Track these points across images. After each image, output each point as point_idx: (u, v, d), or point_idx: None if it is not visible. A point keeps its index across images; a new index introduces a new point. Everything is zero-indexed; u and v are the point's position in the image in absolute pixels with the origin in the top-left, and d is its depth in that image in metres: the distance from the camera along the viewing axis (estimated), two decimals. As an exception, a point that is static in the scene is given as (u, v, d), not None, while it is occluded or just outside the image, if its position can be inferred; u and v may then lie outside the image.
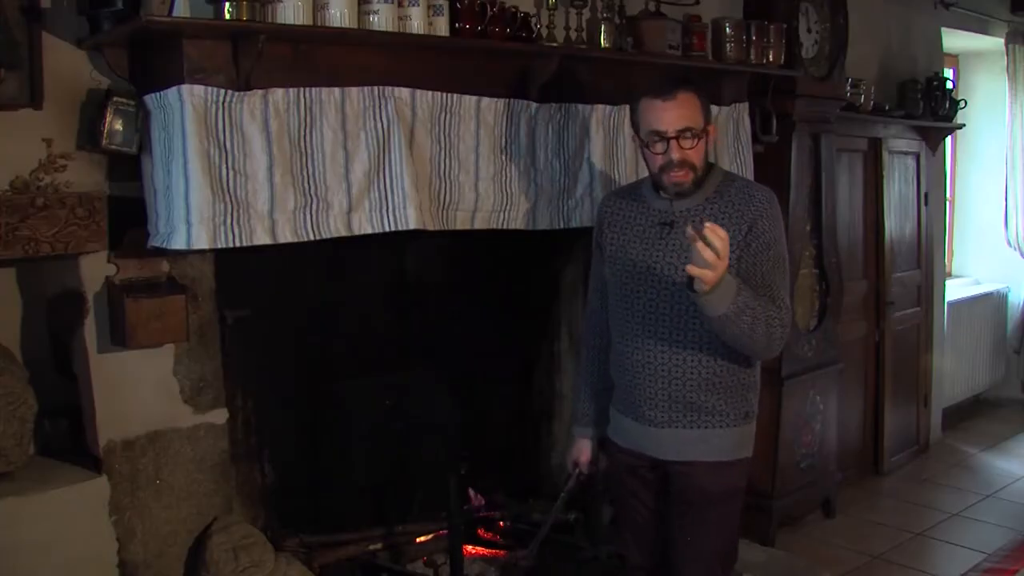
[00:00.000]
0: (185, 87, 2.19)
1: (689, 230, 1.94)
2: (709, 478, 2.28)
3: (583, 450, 2.59)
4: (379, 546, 3.07)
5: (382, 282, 3.24)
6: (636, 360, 2.31)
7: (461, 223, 2.75)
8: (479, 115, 2.74)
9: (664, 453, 2.32)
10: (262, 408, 2.90)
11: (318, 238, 2.42)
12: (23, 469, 2.40)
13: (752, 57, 3.54)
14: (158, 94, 2.27)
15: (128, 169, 2.43)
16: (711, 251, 1.92)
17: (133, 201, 2.43)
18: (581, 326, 3.66)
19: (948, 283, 5.90)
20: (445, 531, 3.03)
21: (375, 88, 2.49)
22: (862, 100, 4.57)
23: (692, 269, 1.95)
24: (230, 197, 2.26)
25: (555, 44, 2.99)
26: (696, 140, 2.19)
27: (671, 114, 2.18)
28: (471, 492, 3.33)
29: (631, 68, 3.13)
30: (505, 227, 2.87)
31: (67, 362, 2.56)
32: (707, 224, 1.93)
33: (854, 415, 4.77)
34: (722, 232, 1.93)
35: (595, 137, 3.03)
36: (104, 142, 2.31)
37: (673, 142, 2.18)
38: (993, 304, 6.32)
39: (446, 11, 2.62)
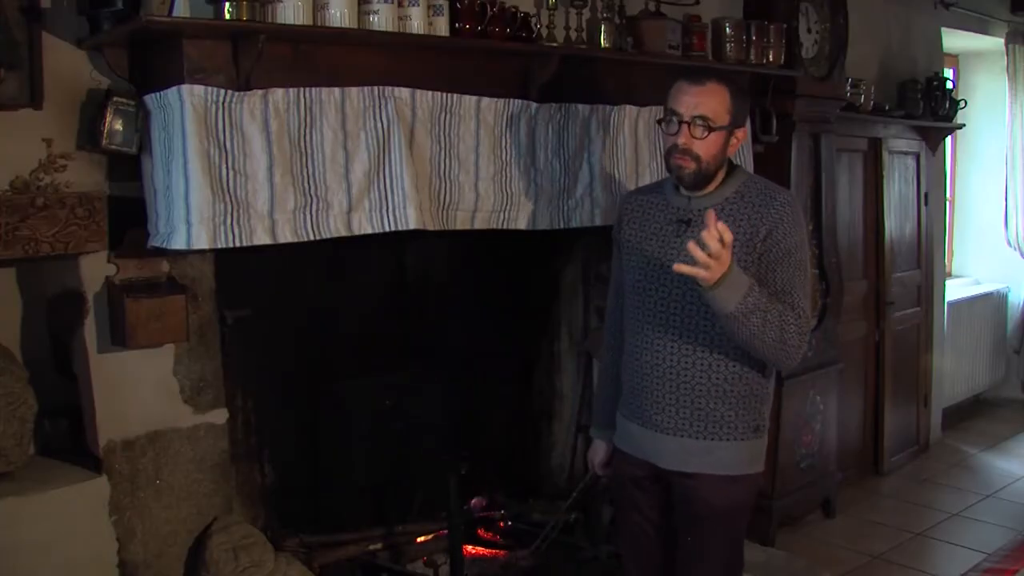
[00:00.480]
0: (185, 87, 2.19)
1: (710, 214, 1.94)
2: (715, 492, 2.20)
3: (598, 451, 2.54)
4: (379, 546, 3.07)
5: (382, 282, 3.24)
6: (645, 361, 2.25)
7: (461, 223, 2.75)
8: (479, 115, 2.74)
9: (667, 462, 2.24)
10: (262, 408, 2.90)
11: (318, 238, 2.42)
12: (23, 469, 2.40)
13: (752, 57, 3.54)
14: (158, 94, 2.27)
15: (128, 169, 2.42)
16: (701, 252, 1.91)
17: (133, 201, 2.43)
18: (581, 326, 3.69)
19: (948, 283, 5.90)
20: (445, 531, 3.03)
21: (375, 88, 2.49)
22: (862, 100, 4.57)
23: (680, 268, 1.95)
24: (230, 197, 2.26)
25: (555, 44, 2.99)
26: (708, 133, 2.14)
27: (693, 99, 2.15)
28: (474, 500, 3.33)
29: (631, 68, 3.13)
30: (505, 227, 2.87)
31: (67, 362, 2.56)
32: (719, 224, 1.92)
33: (854, 415, 4.76)
34: (727, 236, 1.92)
35: (595, 137, 3.03)
36: (104, 142, 2.31)
37: (684, 127, 2.15)
38: (993, 304, 6.32)
39: (446, 11, 2.62)
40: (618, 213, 2.46)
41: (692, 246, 1.92)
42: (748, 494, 2.28)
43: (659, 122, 2.24)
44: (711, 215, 1.96)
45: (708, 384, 2.19)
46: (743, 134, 2.24)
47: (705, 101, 2.14)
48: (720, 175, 2.23)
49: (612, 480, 2.51)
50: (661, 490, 2.31)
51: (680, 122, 2.15)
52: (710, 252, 1.91)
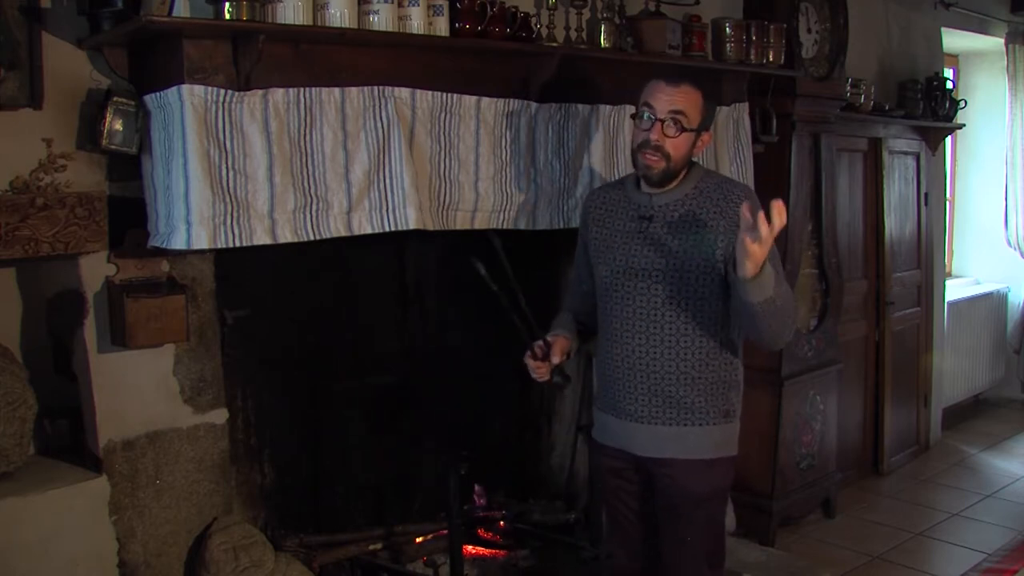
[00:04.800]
0: (185, 87, 2.19)
1: (745, 209, 1.96)
2: (690, 478, 2.27)
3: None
4: (379, 546, 3.06)
5: (382, 282, 3.24)
6: (616, 353, 2.33)
7: (461, 223, 2.75)
8: (479, 115, 2.74)
9: (643, 449, 2.32)
10: (262, 408, 2.89)
11: (318, 238, 2.42)
12: (23, 469, 2.40)
13: (752, 57, 3.54)
14: (158, 94, 2.27)
15: (128, 169, 2.43)
16: (766, 227, 1.91)
17: (133, 201, 2.43)
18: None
19: (948, 283, 5.90)
20: (445, 531, 3.03)
21: (375, 88, 2.49)
22: (862, 100, 4.57)
23: (753, 248, 1.94)
24: (230, 197, 2.26)
25: (555, 44, 2.99)
26: (680, 133, 2.21)
27: (668, 98, 2.22)
28: (476, 489, 3.32)
29: (631, 68, 3.13)
30: (505, 227, 2.87)
31: (67, 362, 2.56)
32: (777, 203, 1.92)
33: (854, 415, 4.77)
34: (785, 216, 1.93)
35: (595, 137, 3.03)
36: (104, 142, 2.31)
37: (657, 124, 2.21)
38: (993, 304, 6.32)
39: (446, 11, 2.62)
40: (583, 213, 2.53)
41: (762, 220, 1.92)
42: (723, 478, 2.35)
43: (632, 116, 2.30)
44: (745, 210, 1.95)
45: (677, 373, 2.27)
46: (708, 137, 2.32)
47: (680, 101, 2.22)
48: (681, 173, 2.30)
49: (594, 471, 2.53)
50: (641, 479, 2.38)
51: (654, 119, 2.21)
52: (774, 228, 1.93)
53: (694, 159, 2.33)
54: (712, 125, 2.36)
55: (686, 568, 2.33)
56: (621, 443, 2.37)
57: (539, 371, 2.33)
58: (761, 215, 1.93)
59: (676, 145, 2.22)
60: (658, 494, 2.34)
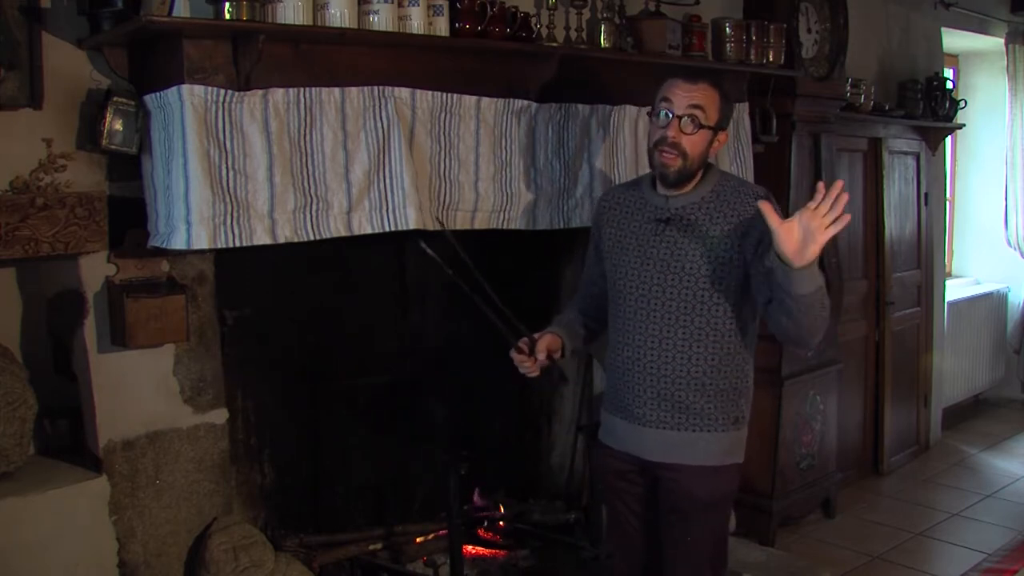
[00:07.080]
0: (185, 87, 2.19)
1: (820, 186, 1.97)
2: (697, 483, 2.26)
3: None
4: (379, 546, 3.07)
5: (382, 282, 3.24)
6: (627, 356, 2.31)
7: (461, 223, 2.75)
8: (479, 115, 2.74)
9: (651, 454, 2.30)
10: (262, 408, 2.90)
11: (318, 238, 2.42)
12: (23, 469, 2.41)
13: (752, 57, 3.54)
14: (158, 94, 2.28)
15: (128, 169, 2.43)
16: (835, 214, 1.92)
17: (133, 201, 2.43)
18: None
19: (948, 283, 5.90)
20: (445, 531, 3.03)
21: (375, 88, 2.49)
22: (862, 100, 4.57)
23: (825, 233, 1.93)
24: (230, 197, 2.26)
25: (555, 44, 2.99)
26: (698, 129, 2.20)
27: (687, 94, 2.21)
28: (476, 493, 3.33)
29: (631, 68, 3.13)
30: (505, 227, 2.87)
31: (67, 362, 2.56)
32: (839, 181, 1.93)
33: (854, 415, 4.77)
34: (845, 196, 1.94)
35: (595, 137, 3.03)
36: (104, 142, 2.31)
37: (675, 120, 2.20)
38: (993, 304, 6.32)
39: (446, 11, 2.62)
40: (596, 213, 2.52)
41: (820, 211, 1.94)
42: (729, 485, 2.34)
43: (649, 114, 2.28)
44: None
45: (688, 378, 2.25)
46: (724, 137, 2.31)
47: (698, 97, 2.21)
48: (698, 175, 2.28)
49: (596, 473, 2.51)
50: (646, 483, 2.36)
51: (672, 115, 2.20)
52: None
53: (710, 160, 2.31)
54: (728, 126, 2.36)
55: (687, 572, 2.31)
56: (628, 447, 2.35)
57: (525, 365, 2.37)
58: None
59: (693, 143, 2.21)
60: (663, 498, 2.32)
